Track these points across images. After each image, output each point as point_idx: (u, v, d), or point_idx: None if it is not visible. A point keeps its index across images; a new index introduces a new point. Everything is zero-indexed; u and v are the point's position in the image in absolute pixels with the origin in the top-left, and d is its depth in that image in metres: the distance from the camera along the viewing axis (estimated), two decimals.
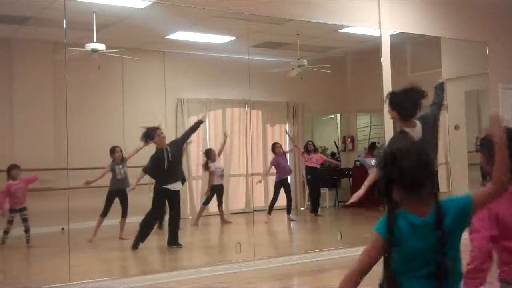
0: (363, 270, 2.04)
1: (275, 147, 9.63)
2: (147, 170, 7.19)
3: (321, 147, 12.02)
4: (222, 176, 9.14)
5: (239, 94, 8.60)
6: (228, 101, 10.45)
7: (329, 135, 12.36)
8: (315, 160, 10.02)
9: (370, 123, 11.48)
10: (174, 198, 7.21)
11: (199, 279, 5.53)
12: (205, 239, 8.93)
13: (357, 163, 11.05)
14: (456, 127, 8.97)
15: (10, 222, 7.23)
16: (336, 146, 11.98)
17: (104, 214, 7.59)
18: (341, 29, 7.79)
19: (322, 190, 10.73)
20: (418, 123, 4.23)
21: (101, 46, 7.67)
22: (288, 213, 9.65)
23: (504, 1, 8.42)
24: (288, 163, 9.80)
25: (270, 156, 9.96)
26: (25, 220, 7.28)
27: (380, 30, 7.40)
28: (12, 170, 7.31)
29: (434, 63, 9.19)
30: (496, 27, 8.61)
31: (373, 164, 9.95)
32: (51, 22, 6.92)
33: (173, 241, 7.15)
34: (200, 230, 9.36)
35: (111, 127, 9.16)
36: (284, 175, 9.50)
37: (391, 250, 1.99)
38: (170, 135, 10.15)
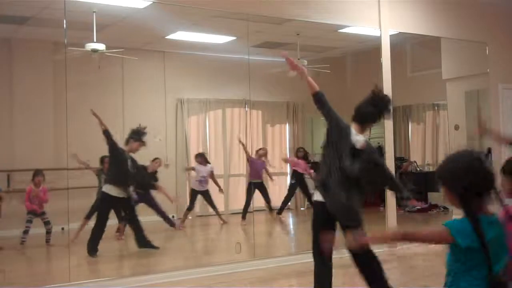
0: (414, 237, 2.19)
1: (258, 151, 9.59)
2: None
3: (321, 147, 12.02)
4: (202, 182, 9.01)
5: (239, 94, 8.60)
6: (228, 101, 10.45)
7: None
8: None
9: None
10: (123, 205, 6.90)
11: (199, 279, 5.53)
12: (205, 239, 8.94)
13: None
14: (456, 127, 8.97)
15: (46, 223, 7.41)
16: None
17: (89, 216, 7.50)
18: (341, 29, 7.79)
19: None
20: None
21: (101, 46, 7.67)
22: (279, 212, 9.66)
23: (504, 1, 8.42)
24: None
25: (270, 156, 9.98)
26: (47, 223, 7.42)
27: (380, 30, 7.40)
28: (35, 176, 7.46)
29: (434, 63, 9.20)
30: (496, 27, 8.61)
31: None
32: (51, 22, 6.93)
33: (143, 243, 6.90)
34: (200, 230, 9.37)
35: (111, 127, 9.11)
36: (253, 179, 9.31)
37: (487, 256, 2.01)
38: (170, 135, 10.19)
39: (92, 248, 6.51)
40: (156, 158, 8.54)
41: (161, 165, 8.75)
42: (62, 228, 7.13)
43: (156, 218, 8.42)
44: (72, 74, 6.15)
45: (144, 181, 7.44)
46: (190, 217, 9.45)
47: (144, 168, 7.71)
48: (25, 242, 7.28)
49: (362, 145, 4.10)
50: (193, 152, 9.91)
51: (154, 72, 9.73)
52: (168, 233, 8.59)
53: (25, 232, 7.31)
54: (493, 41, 8.56)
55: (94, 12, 7.15)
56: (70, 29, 5.93)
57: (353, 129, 4.19)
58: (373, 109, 4.22)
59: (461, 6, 8.21)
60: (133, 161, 6.92)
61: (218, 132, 10.55)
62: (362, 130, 4.23)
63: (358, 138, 4.13)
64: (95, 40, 7.57)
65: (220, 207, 9.53)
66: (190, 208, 9.03)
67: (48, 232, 7.39)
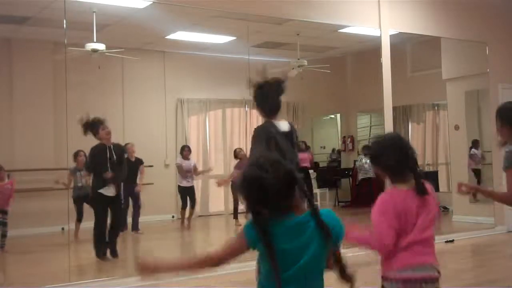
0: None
1: (235, 152, 9.29)
2: (88, 168, 6.58)
3: (321, 147, 12.03)
4: (188, 177, 8.77)
5: (239, 94, 8.60)
6: (228, 101, 10.45)
7: (329, 135, 12.36)
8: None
9: (370, 123, 11.48)
10: (113, 204, 6.42)
11: (199, 279, 5.52)
12: (205, 239, 8.93)
13: (357, 163, 11.05)
14: (456, 127, 8.97)
15: (2, 224, 7.02)
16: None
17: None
18: (341, 29, 7.79)
19: (322, 190, 10.73)
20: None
21: (101, 46, 7.67)
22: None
23: (504, 1, 8.42)
24: None
25: None
26: (3, 224, 7.03)
27: (380, 30, 7.40)
28: None
29: (434, 63, 9.20)
30: (496, 27, 8.60)
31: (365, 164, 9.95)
32: (51, 22, 6.93)
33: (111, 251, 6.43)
34: (200, 230, 9.36)
35: (111, 127, 9.14)
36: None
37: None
38: (170, 135, 10.19)
39: (99, 251, 6.29)
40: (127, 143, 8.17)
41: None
42: (62, 228, 7.14)
43: (156, 218, 8.44)
44: (72, 74, 6.15)
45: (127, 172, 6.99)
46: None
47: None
48: (5, 246, 7.04)
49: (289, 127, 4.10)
50: (193, 152, 9.90)
51: (154, 72, 9.73)
52: (169, 233, 8.60)
53: (3, 235, 7.01)
54: (493, 41, 8.55)
55: (94, 12, 7.15)
56: (70, 29, 5.94)
57: (274, 121, 4.09)
58: (270, 89, 4.14)
59: (461, 6, 8.21)
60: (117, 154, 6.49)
61: (218, 132, 10.55)
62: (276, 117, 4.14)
63: (282, 124, 4.10)
64: (95, 40, 7.57)
65: (220, 207, 9.50)
66: (184, 206, 8.80)
67: (3, 236, 7.00)
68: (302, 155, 9.66)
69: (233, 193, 8.89)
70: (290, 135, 4.09)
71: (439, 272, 2.41)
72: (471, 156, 9.05)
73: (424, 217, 2.40)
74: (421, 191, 2.41)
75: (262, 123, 4.12)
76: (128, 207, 8.00)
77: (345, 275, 2.07)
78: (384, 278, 2.46)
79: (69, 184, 7.42)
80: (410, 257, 2.36)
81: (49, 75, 8.71)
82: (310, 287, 2.00)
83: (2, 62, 8.69)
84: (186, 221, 8.86)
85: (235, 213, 8.88)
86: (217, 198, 9.40)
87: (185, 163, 8.79)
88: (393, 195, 2.42)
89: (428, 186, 2.47)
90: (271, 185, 1.84)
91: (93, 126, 6.39)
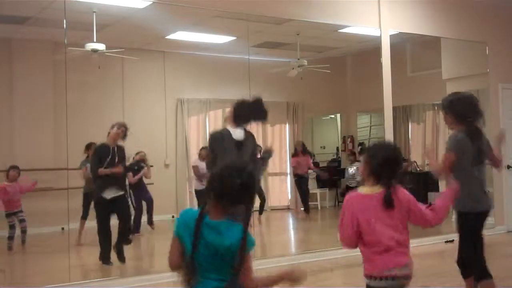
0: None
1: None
2: (92, 169, 6.30)
3: (321, 147, 12.02)
4: (204, 180, 8.41)
5: (239, 94, 8.59)
6: (228, 101, 10.39)
7: (329, 135, 12.36)
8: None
9: (370, 123, 11.47)
10: (116, 207, 6.23)
11: None
12: None
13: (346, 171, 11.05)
14: None
15: (11, 227, 7.12)
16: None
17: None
18: (341, 29, 7.79)
19: (322, 190, 10.73)
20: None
21: (101, 46, 7.67)
22: (260, 213, 9.33)
23: (504, 1, 8.42)
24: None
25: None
26: (22, 221, 7.19)
27: (380, 30, 7.40)
28: (10, 171, 7.22)
29: (434, 63, 9.20)
30: (496, 27, 8.61)
31: (352, 173, 9.95)
32: (51, 22, 6.92)
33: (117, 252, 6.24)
34: None
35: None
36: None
37: None
38: (170, 135, 10.19)
39: (105, 257, 6.12)
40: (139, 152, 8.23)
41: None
42: (62, 228, 7.12)
43: (156, 218, 8.43)
44: (72, 74, 6.14)
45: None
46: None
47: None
48: (11, 246, 7.10)
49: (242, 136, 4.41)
50: (193, 152, 9.89)
51: (154, 72, 9.73)
52: (169, 234, 8.58)
53: (10, 238, 7.09)
54: (493, 41, 8.56)
55: (94, 12, 7.15)
56: (70, 29, 5.93)
57: (230, 129, 4.43)
58: (248, 113, 4.53)
59: (461, 6, 8.21)
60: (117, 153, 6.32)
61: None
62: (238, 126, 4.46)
63: (238, 133, 4.42)
64: (95, 40, 7.56)
65: None
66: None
67: (24, 231, 7.15)
68: (300, 159, 9.67)
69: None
70: (242, 143, 4.38)
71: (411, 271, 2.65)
72: None
73: (390, 219, 2.61)
74: (386, 203, 2.60)
75: (218, 130, 4.54)
76: (141, 211, 8.02)
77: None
78: (365, 275, 2.68)
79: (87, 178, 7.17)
80: (385, 257, 2.59)
81: (49, 75, 8.71)
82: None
83: (2, 62, 8.69)
84: None
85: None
86: None
87: (201, 165, 8.39)
88: (356, 197, 2.67)
89: (401, 196, 2.65)
90: (233, 186, 2.13)
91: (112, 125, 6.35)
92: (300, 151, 9.72)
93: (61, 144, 7.01)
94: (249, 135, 4.52)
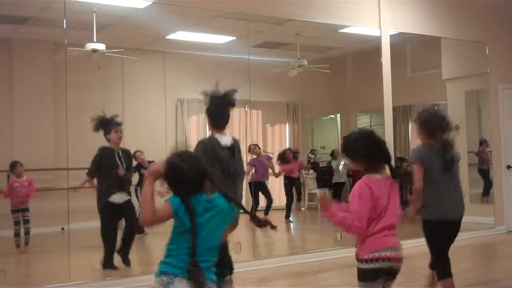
0: None
1: (250, 148, 9.26)
2: (91, 170, 6.14)
3: (321, 147, 12.01)
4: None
5: (239, 94, 8.59)
6: None
7: (329, 135, 12.35)
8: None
9: (370, 123, 11.47)
10: (123, 212, 6.13)
11: None
12: None
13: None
14: (456, 127, 8.95)
15: (17, 223, 7.15)
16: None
17: None
18: (341, 29, 7.79)
19: (322, 190, 10.72)
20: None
21: (101, 46, 7.66)
22: (266, 213, 9.16)
23: (504, 1, 8.42)
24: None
25: (271, 156, 9.97)
26: (26, 221, 7.18)
27: (380, 30, 7.40)
28: (15, 167, 7.26)
29: (434, 63, 9.20)
30: (496, 27, 8.61)
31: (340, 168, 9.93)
32: (51, 22, 6.92)
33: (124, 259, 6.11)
34: None
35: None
36: (257, 179, 9.05)
37: None
38: (170, 135, 10.18)
39: (108, 263, 6.02)
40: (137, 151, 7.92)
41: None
42: (62, 228, 7.11)
43: None
44: (72, 74, 6.14)
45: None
46: None
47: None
48: (20, 243, 7.15)
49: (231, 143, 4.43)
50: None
51: (154, 72, 9.73)
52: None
53: (16, 234, 7.13)
54: (493, 41, 8.56)
55: (94, 12, 7.15)
56: (70, 29, 5.93)
57: (217, 136, 4.43)
58: (220, 104, 4.51)
59: (461, 6, 8.21)
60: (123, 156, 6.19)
61: None
62: (222, 132, 4.49)
63: (225, 139, 4.43)
64: (95, 40, 7.56)
65: None
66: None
67: (27, 232, 7.16)
68: (286, 167, 9.59)
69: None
70: (232, 149, 4.39)
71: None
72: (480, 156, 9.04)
73: (394, 202, 2.77)
74: (394, 175, 2.81)
75: (204, 138, 4.46)
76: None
77: (260, 222, 2.64)
78: (359, 259, 2.82)
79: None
80: (382, 240, 2.73)
81: (49, 75, 8.71)
82: (213, 248, 2.45)
83: (2, 62, 8.69)
84: None
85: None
86: None
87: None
88: (370, 183, 2.75)
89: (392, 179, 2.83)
90: (186, 173, 2.43)
91: (107, 124, 6.08)
92: (290, 158, 9.59)
93: (61, 144, 7.01)
94: (236, 142, 4.55)
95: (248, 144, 9.45)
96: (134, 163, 6.97)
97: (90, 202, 7.48)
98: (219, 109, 4.46)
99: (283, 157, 9.63)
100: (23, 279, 6.19)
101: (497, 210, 8.49)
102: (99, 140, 6.62)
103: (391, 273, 2.80)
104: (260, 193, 9.12)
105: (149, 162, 7.79)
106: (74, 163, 7.16)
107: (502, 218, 8.53)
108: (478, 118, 9.29)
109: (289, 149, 10.11)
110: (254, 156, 9.32)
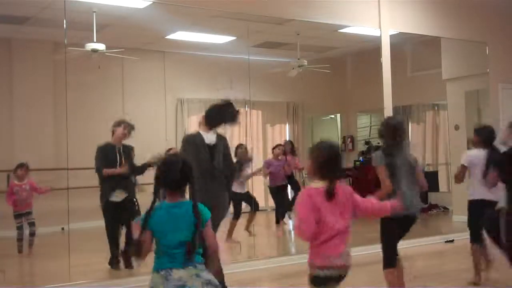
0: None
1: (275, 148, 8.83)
2: (98, 169, 6.04)
3: None
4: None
5: (239, 94, 8.60)
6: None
7: (329, 135, 12.35)
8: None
9: (370, 123, 11.47)
10: (125, 211, 6.00)
11: None
12: None
13: (357, 163, 11.06)
14: (456, 127, 8.97)
15: (20, 228, 7.00)
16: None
17: None
18: (341, 29, 7.79)
19: None
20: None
21: (101, 46, 7.66)
22: (282, 217, 8.92)
23: (504, 1, 8.42)
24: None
25: (270, 156, 9.94)
26: (31, 224, 7.06)
27: (380, 30, 7.40)
28: (17, 170, 7.08)
29: (434, 63, 9.20)
30: (496, 27, 8.61)
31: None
32: (51, 22, 6.92)
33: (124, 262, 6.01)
34: None
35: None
36: (277, 183, 8.56)
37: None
38: (170, 135, 10.18)
39: (113, 262, 5.99)
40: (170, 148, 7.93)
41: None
42: (62, 228, 7.11)
43: None
44: (72, 74, 6.14)
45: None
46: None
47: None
48: (22, 249, 7.04)
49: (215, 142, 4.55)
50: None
51: (154, 72, 9.73)
52: None
53: (19, 239, 7.00)
54: (493, 41, 8.56)
55: (94, 12, 7.15)
56: (70, 29, 5.94)
57: (202, 132, 4.56)
58: (219, 116, 4.63)
59: (461, 6, 8.21)
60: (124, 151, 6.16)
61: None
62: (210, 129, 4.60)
63: (210, 137, 4.54)
64: (95, 40, 7.56)
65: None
66: (236, 216, 7.65)
67: (32, 234, 7.02)
68: (289, 160, 9.27)
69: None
70: (214, 148, 4.50)
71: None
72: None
73: (336, 212, 2.95)
74: (328, 195, 2.94)
75: (191, 133, 4.66)
76: None
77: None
78: (312, 266, 3.04)
79: None
80: (334, 248, 2.95)
81: (49, 75, 8.71)
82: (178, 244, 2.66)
83: (2, 62, 8.70)
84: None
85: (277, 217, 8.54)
86: None
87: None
88: (311, 192, 2.96)
89: (342, 189, 3.02)
90: (170, 174, 2.70)
91: (120, 120, 6.14)
92: (289, 151, 9.00)
93: (61, 144, 7.02)
94: (221, 138, 4.63)
95: (248, 144, 9.45)
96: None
97: (90, 202, 7.48)
98: (214, 113, 4.66)
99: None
100: (23, 279, 6.20)
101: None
102: (99, 140, 6.62)
103: (340, 278, 3.02)
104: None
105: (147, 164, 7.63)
106: (74, 163, 7.16)
107: None
108: (478, 118, 9.29)
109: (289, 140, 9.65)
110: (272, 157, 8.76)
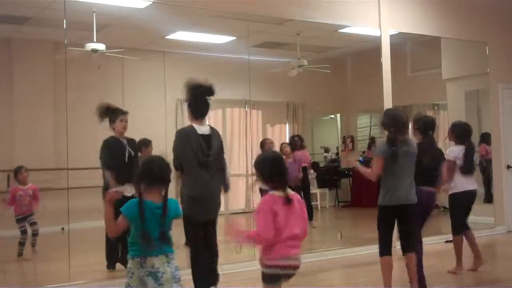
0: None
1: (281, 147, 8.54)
2: (107, 163, 5.79)
3: (321, 147, 12.02)
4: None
5: (239, 94, 8.61)
6: (228, 101, 10.45)
7: (329, 135, 12.36)
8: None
9: (370, 123, 11.48)
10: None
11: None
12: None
13: (357, 163, 11.06)
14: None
15: (23, 232, 6.84)
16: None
17: None
18: (341, 29, 7.79)
19: (322, 190, 10.72)
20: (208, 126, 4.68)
21: (101, 46, 7.66)
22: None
23: (504, 1, 8.42)
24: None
25: None
26: (33, 223, 6.93)
27: (380, 30, 7.40)
28: (18, 174, 6.92)
29: (434, 63, 9.20)
30: (496, 27, 8.61)
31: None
32: (51, 22, 6.92)
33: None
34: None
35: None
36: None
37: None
38: (170, 135, 10.16)
39: (109, 261, 5.94)
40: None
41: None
42: (62, 228, 7.11)
43: None
44: (72, 74, 6.14)
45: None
46: None
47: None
48: (22, 252, 6.88)
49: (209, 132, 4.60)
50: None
51: (154, 72, 9.73)
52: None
53: (21, 244, 6.85)
54: (493, 41, 8.56)
55: (94, 12, 7.15)
56: (70, 29, 5.93)
57: (195, 125, 4.60)
58: (199, 92, 4.74)
59: (461, 6, 8.21)
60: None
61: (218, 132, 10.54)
62: (201, 122, 4.65)
63: (203, 128, 4.59)
64: (95, 40, 7.56)
65: (241, 205, 9.40)
66: None
67: (35, 234, 6.89)
68: (299, 155, 9.16)
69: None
70: (208, 138, 4.55)
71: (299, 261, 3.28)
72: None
73: (293, 218, 3.18)
74: (286, 201, 3.18)
75: (183, 127, 4.66)
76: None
77: None
78: (264, 265, 3.25)
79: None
80: (284, 249, 3.17)
81: (49, 75, 8.71)
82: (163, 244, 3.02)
83: (2, 62, 8.69)
84: None
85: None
86: (236, 197, 9.40)
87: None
88: (269, 199, 3.19)
89: (296, 197, 3.26)
90: (157, 174, 3.12)
91: (113, 112, 5.88)
92: (299, 145, 8.78)
93: (61, 144, 7.01)
94: (214, 131, 4.67)
95: (248, 144, 9.46)
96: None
97: (90, 202, 7.48)
98: (198, 99, 4.69)
99: (289, 144, 8.59)
100: (23, 279, 6.19)
101: (497, 210, 8.49)
102: (99, 140, 6.62)
103: (289, 277, 3.29)
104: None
105: None
106: (74, 163, 7.16)
107: (502, 218, 8.53)
108: (478, 118, 9.29)
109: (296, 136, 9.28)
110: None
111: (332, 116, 12.41)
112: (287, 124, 11.18)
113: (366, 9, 7.33)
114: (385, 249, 4.53)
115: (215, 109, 10.51)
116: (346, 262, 6.26)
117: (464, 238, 5.82)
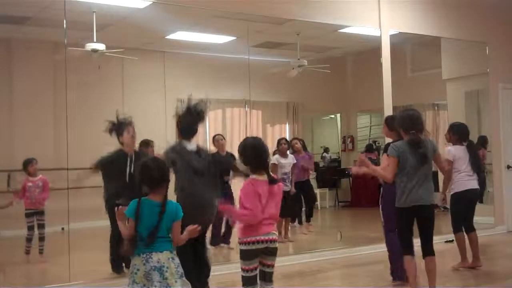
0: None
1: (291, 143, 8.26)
2: (100, 165, 5.72)
3: (321, 147, 12.02)
4: (285, 180, 7.47)
5: (239, 94, 8.60)
6: (228, 101, 10.44)
7: (329, 135, 12.36)
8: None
9: (370, 123, 11.48)
10: None
11: None
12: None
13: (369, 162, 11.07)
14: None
15: (30, 228, 6.72)
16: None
17: None
18: (341, 29, 7.79)
19: (322, 190, 10.72)
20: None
21: (101, 46, 7.66)
22: (307, 220, 8.56)
23: (504, 1, 8.42)
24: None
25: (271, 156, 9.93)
26: (41, 226, 6.77)
27: (380, 30, 7.41)
28: (28, 167, 6.89)
29: (434, 63, 9.20)
30: (496, 27, 8.61)
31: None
32: (51, 22, 6.92)
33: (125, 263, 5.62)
34: None
35: None
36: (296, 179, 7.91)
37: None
38: (170, 135, 10.16)
39: (114, 264, 5.80)
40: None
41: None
42: (62, 228, 7.12)
43: None
44: (72, 74, 6.14)
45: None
46: None
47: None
48: (30, 250, 6.77)
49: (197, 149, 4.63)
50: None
51: (154, 72, 9.72)
52: None
53: (28, 240, 6.74)
54: (493, 41, 8.56)
55: (94, 12, 7.15)
56: (70, 29, 5.94)
57: (185, 143, 4.61)
58: (190, 119, 4.76)
59: (461, 6, 8.21)
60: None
61: (218, 132, 10.53)
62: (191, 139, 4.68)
63: (191, 146, 4.60)
64: (95, 40, 7.56)
65: None
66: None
67: (41, 239, 6.75)
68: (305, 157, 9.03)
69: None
70: (198, 152, 4.59)
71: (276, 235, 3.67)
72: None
73: (271, 200, 3.53)
74: (271, 182, 3.54)
75: (173, 144, 4.67)
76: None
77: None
78: (240, 242, 3.53)
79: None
80: (265, 227, 3.52)
81: (49, 75, 8.71)
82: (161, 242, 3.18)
83: (2, 62, 8.69)
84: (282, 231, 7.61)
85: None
86: (236, 197, 9.38)
87: (282, 161, 7.62)
88: (252, 182, 3.51)
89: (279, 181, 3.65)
90: (157, 176, 3.23)
91: (119, 127, 5.78)
92: (301, 149, 8.48)
93: (61, 144, 7.01)
94: (199, 147, 4.68)
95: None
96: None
97: (90, 202, 7.49)
98: (188, 124, 4.73)
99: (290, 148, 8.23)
100: (23, 279, 6.19)
101: (497, 210, 8.50)
102: (99, 140, 6.62)
103: (268, 252, 3.60)
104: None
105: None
106: (74, 163, 7.17)
107: (502, 218, 8.54)
108: (478, 118, 9.29)
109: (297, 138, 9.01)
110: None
111: (332, 116, 12.41)
112: (287, 124, 11.18)
113: (366, 9, 7.33)
114: (408, 250, 4.46)
115: (215, 109, 10.51)
116: (346, 262, 6.26)
117: (466, 237, 5.86)
